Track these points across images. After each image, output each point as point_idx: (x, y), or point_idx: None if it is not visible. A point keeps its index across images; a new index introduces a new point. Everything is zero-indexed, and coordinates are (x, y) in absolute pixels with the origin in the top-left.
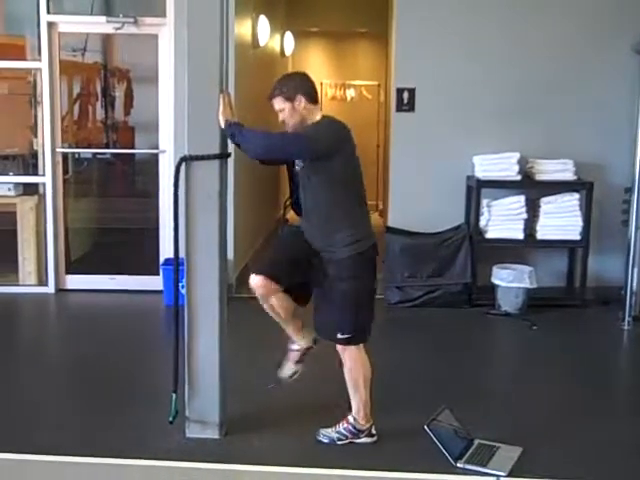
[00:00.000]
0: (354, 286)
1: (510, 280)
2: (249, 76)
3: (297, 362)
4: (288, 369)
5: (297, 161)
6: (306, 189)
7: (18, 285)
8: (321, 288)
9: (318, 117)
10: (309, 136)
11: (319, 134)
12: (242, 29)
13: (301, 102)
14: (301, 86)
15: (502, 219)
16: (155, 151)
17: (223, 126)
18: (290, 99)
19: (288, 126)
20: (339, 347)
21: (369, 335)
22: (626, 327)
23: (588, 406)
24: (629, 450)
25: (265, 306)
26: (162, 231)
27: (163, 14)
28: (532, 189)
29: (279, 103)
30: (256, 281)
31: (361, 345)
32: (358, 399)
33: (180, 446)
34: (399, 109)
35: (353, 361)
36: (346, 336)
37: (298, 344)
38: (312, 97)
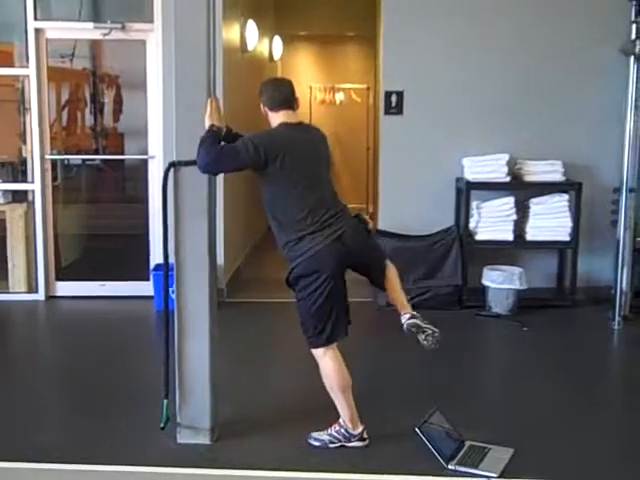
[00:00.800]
0: (304, 292)
1: (500, 281)
2: (238, 80)
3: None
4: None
5: None
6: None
7: (8, 292)
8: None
9: (276, 124)
10: (238, 147)
11: (249, 143)
12: (230, 33)
13: (263, 107)
14: (264, 91)
15: (492, 221)
16: (144, 157)
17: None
18: (263, 103)
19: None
20: None
21: (333, 338)
22: (616, 327)
23: (579, 406)
24: (620, 450)
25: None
26: (152, 236)
27: (151, 20)
28: (521, 190)
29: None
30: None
31: (331, 352)
32: (339, 405)
33: (172, 452)
34: (387, 112)
35: (322, 367)
36: (306, 337)
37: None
38: (273, 103)
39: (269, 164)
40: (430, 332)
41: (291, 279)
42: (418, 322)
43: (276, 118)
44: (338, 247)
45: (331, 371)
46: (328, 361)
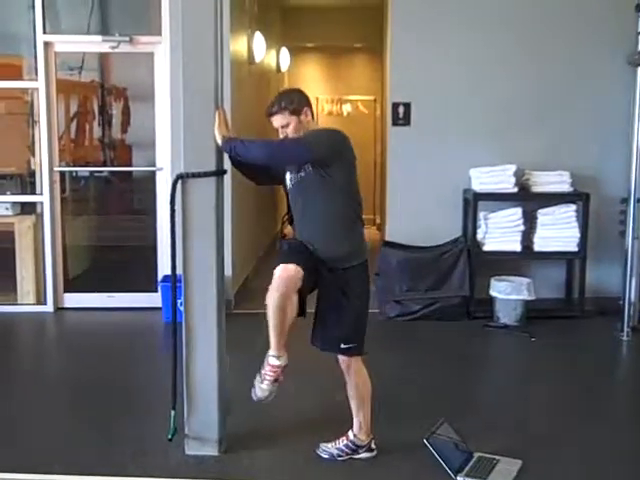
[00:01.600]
0: (358, 295)
1: (508, 292)
2: (245, 92)
3: (275, 381)
4: (266, 389)
5: (291, 176)
6: (307, 200)
7: (17, 304)
8: (325, 298)
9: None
10: (308, 140)
11: (319, 138)
12: (238, 45)
13: (307, 115)
14: (306, 99)
15: (499, 231)
16: (152, 169)
17: (220, 142)
18: (296, 112)
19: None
20: (344, 364)
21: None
22: (625, 338)
23: (588, 418)
24: (630, 461)
25: (278, 303)
26: (160, 248)
27: (159, 32)
28: (529, 201)
29: (284, 118)
30: (290, 268)
31: (360, 359)
32: (362, 415)
33: (179, 463)
34: (395, 123)
35: (359, 376)
36: (349, 346)
37: (280, 360)
38: (313, 111)
39: (343, 153)
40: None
41: (350, 277)
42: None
43: (312, 125)
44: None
45: (368, 380)
46: (364, 368)
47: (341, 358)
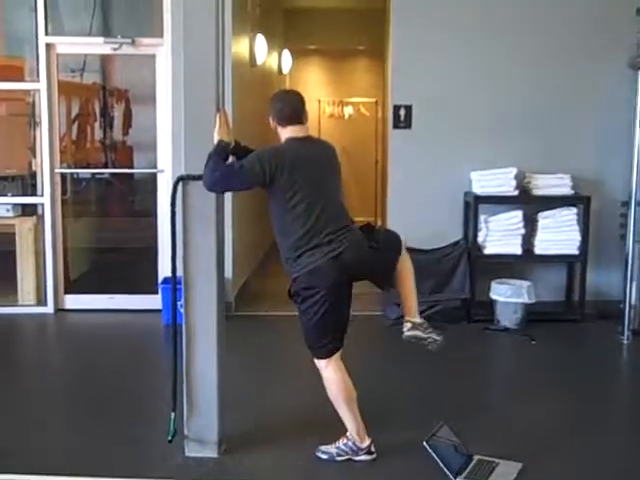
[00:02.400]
0: (304, 305)
1: (509, 295)
2: (247, 94)
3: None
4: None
5: None
6: None
7: (17, 305)
8: None
9: (284, 139)
10: (244, 166)
11: (255, 161)
12: (240, 48)
13: (272, 121)
14: (272, 105)
15: (500, 234)
16: (154, 170)
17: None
18: (272, 117)
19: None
20: None
21: (334, 351)
22: (625, 341)
23: (588, 421)
24: (630, 465)
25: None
26: (161, 250)
27: (160, 34)
28: (529, 204)
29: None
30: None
31: (334, 363)
32: (344, 418)
33: (179, 465)
34: (396, 126)
35: (325, 378)
36: (309, 349)
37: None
38: (281, 118)
39: (274, 181)
40: (432, 340)
41: (292, 292)
42: (418, 334)
43: (284, 133)
44: (336, 264)
45: (334, 382)
46: (331, 372)
47: None
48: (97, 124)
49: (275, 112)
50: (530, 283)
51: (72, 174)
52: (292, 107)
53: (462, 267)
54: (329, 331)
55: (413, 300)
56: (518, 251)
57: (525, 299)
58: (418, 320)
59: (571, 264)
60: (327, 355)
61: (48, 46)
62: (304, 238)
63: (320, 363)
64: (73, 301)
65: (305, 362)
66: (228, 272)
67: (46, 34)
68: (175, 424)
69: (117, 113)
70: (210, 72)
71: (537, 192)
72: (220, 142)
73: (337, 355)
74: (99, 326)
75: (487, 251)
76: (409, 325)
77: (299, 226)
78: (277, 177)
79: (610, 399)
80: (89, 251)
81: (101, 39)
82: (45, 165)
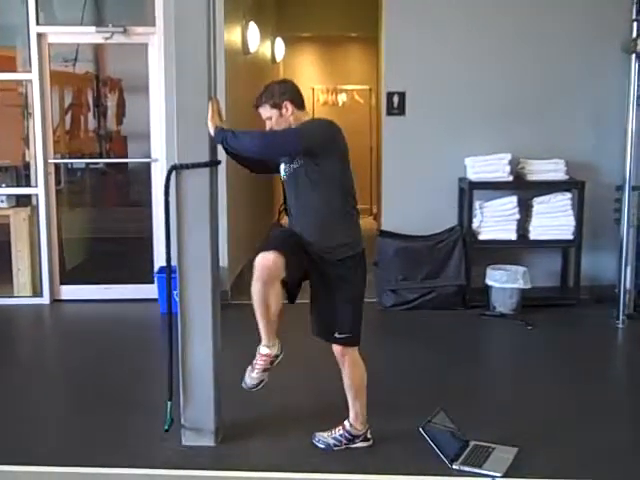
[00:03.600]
0: (353, 286)
1: (504, 281)
2: (239, 83)
3: (265, 370)
4: (255, 378)
5: (285, 167)
6: (299, 192)
7: (13, 297)
8: (319, 287)
9: (303, 121)
10: (301, 131)
11: (311, 130)
12: (232, 36)
13: (288, 109)
14: (287, 92)
15: (495, 220)
16: (147, 160)
17: (212, 133)
18: (277, 106)
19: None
20: (338, 353)
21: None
22: (620, 325)
23: (584, 405)
24: (626, 449)
25: (261, 293)
26: (156, 239)
27: (152, 23)
28: (524, 190)
29: (265, 111)
30: (269, 257)
31: (357, 350)
32: (359, 405)
33: (176, 454)
34: (389, 113)
35: (354, 365)
36: (344, 335)
37: (270, 349)
38: (299, 103)
39: (334, 145)
40: None
41: (343, 266)
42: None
43: (301, 117)
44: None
45: (363, 370)
46: (360, 359)
47: (335, 348)
48: (90, 114)
49: (292, 97)
50: (525, 268)
51: (66, 164)
52: (301, 93)
53: (457, 253)
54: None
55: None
56: (513, 237)
57: (520, 284)
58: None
59: (566, 249)
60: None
61: (39, 36)
62: (355, 206)
63: (355, 351)
64: (69, 292)
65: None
66: (224, 261)
67: (37, 24)
68: (172, 413)
69: (110, 103)
70: (202, 60)
71: (531, 177)
72: (218, 127)
73: None
74: (95, 316)
75: (482, 237)
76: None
77: (353, 199)
78: (335, 148)
79: (606, 383)
80: (84, 241)
81: (93, 28)
82: (39, 155)
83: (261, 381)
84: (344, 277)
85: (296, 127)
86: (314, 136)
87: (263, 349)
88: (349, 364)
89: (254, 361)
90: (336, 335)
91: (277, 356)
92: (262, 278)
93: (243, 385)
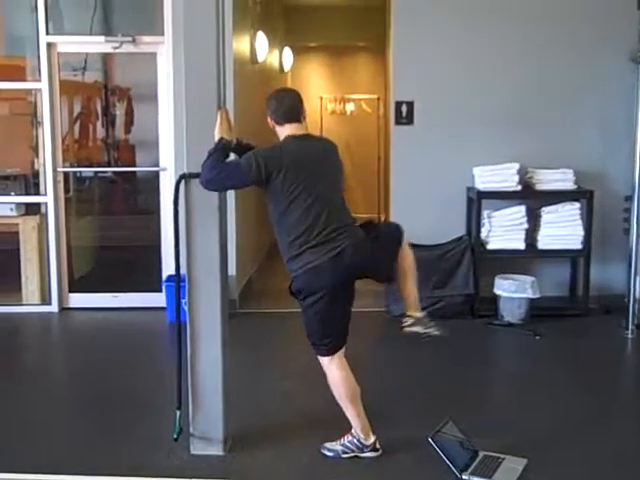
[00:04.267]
0: (305, 303)
1: (512, 290)
2: (248, 92)
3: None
4: (331, 451)
5: None
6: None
7: (21, 304)
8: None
9: (282, 137)
10: (242, 165)
11: (252, 160)
12: (240, 45)
13: (270, 121)
14: (269, 105)
15: (503, 230)
16: (156, 169)
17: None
18: (270, 117)
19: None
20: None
21: (337, 348)
22: (629, 335)
23: (593, 416)
24: (635, 459)
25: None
26: (164, 248)
27: (161, 32)
28: (532, 199)
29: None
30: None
31: (337, 360)
32: (348, 415)
33: (185, 463)
34: (398, 122)
35: (328, 375)
36: (312, 346)
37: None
38: (278, 117)
39: (272, 180)
40: (432, 336)
41: (293, 290)
42: (418, 330)
43: (283, 131)
44: (337, 263)
45: (337, 379)
46: (334, 370)
47: (342, 354)
48: (99, 123)
49: (272, 111)
50: (534, 278)
51: (75, 173)
52: (289, 105)
53: (466, 263)
54: (331, 329)
55: (414, 295)
56: (521, 246)
57: (529, 294)
58: (419, 315)
59: (575, 259)
60: (330, 352)
61: (49, 45)
62: (303, 236)
63: (323, 360)
64: (77, 300)
65: (309, 359)
66: (232, 269)
67: (47, 33)
68: (180, 422)
69: (119, 111)
70: (211, 70)
71: (540, 187)
72: (221, 140)
73: (340, 352)
74: (104, 324)
75: (490, 246)
76: (411, 320)
77: (299, 224)
78: (275, 176)
79: (615, 393)
80: (93, 249)
81: (102, 38)
82: (48, 164)
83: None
84: (298, 294)
85: (241, 159)
86: (252, 168)
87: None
88: (327, 373)
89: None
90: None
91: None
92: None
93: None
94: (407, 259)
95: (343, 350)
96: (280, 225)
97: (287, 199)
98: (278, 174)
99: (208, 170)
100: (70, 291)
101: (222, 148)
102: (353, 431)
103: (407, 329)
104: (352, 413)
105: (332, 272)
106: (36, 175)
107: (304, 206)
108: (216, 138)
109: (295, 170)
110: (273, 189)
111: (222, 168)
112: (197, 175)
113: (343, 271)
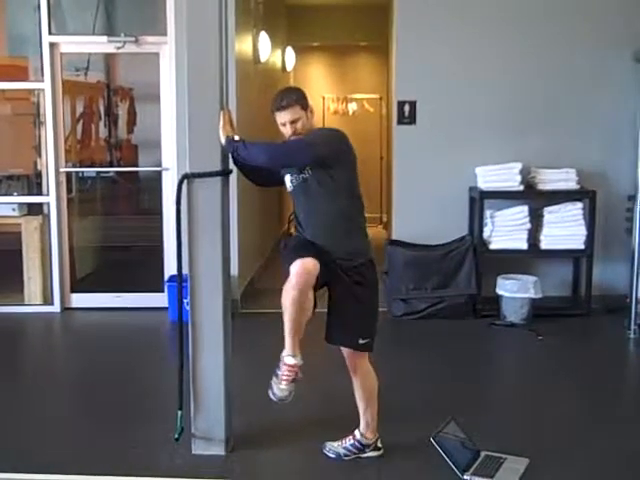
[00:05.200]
0: (371, 291)
1: (515, 290)
2: (250, 92)
3: (293, 381)
4: (285, 389)
5: (292, 178)
6: (311, 201)
7: (24, 305)
8: (340, 296)
9: (316, 127)
10: (310, 141)
11: (321, 139)
12: (243, 45)
13: (313, 112)
14: (305, 97)
15: (506, 230)
16: (158, 169)
17: (223, 142)
18: (305, 107)
19: (297, 136)
20: (352, 362)
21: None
22: (632, 335)
23: (595, 416)
24: (638, 460)
25: (297, 301)
26: (166, 248)
27: (164, 32)
28: (535, 199)
29: (295, 112)
30: (310, 263)
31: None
32: (370, 413)
33: (186, 463)
34: (400, 122)
35: (367, 373)
36: (366, 341)
37: (296, 359)
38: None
39: (343, 153)
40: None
41: (362, 271)
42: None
43: (314, 124)
44: None
45: (374, 376)
46: (370, 366)
47: (349, 357)
48: (102, 123)
49: (308, 102)
50: (536, 278)
51: (77, 173)
52: None
53: (468, 263)
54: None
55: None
56: (524, 246)
57: (531, 294)
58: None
59: (577, 259)
60: (372, 347)
61: (52, 45)
62: (363, 217)
63: (366, 358)
64: (80, 300)
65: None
66: (234, 269)
67: (50, 33)
68: (182, 422)
69: (121, 111)
70: (213, 70)
71: (542, 187)
72: (231, 137)
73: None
74: (106, 324)
75: (493, 246)
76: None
77: (362, 206)
78: (344, 157)
79: (618, 394)
80: (95, 250)
81: (105, 38)
82: (50, 164)
83: (290, 392)
84: (363, 283)
85: (307, 138)
86: (324, 146)
87: (289, 359)
88: (362, 372)
89: (279, 372)
90: (360, 341)
91: (301, 365)
92: (300, 285)
93: (272, 397)
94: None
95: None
96: (355, 195)
97: (355, 179)
98: (345, 155)
99: (268, 147)
100: (72, 291)
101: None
102: (356, 433)
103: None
104: (375, 411)
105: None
106: (38, 175)
107: (359, 190)
108: (222, 137)
109: (352, 154)
110: (341, 170)
111: (281, 145)
112: (200, 175)
113: None
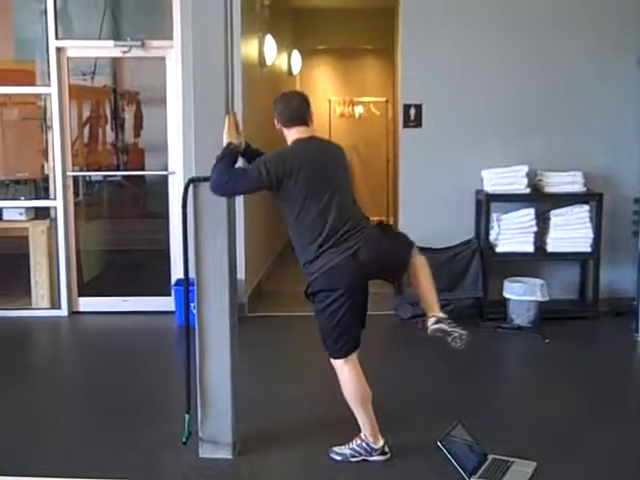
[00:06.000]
0: (321, 305)
1: (521, 293)
2: (256, 95)
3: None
4: (340, 455)
5: None
6: None
7: (31, 309)
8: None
9: (290, 141)
10: (251, 171)
11: (262, 166)
12: (249, 49)
13: (277, 124)
14: (276, 108)
15: (512, 232)
16: (165, 173)
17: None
18: (278, 120)
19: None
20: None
21: (350, 350)
22: (639, 338)
23: (603, 419)
24: None
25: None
26: (173, 252)
27: (170, 37)
28: (541, 202)
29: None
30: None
31: (350, 364)
32: (359, 417)
33: (193, 467)
34: (406, 125)
35: (341, 378)
36: (325, 348)
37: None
38: (285, 120)
39: (283, 185)
40: (457, 335)
41: (309, 293)
42: (444, 327)
43: (290, 135)
44: (353, 263)
45: (350, 382)
46: (347, 372)
47: (355, 358)
48: (108, 127)
49: (278, 113)
50: (543, 281)
51: (84, 177)
52: (295, 108)
53: (474, 266)
54: (346, 331)
55: (433, 295)
56: (531, 249)
57: (538, 297)
58: (441, 314)
59: (584, 262)
60: (344, 355)
61: (58, 50)
62: (319, 239)
63: (337, 363)
64: (87, 304)
65: (319, 362)
66: (241, 273)
67: (56, 38)
68: (190, 426)
69: (128, 116)
70: (219, 74)
71: (549, 190)
72: (229, 145)
73: (354, 355)
74: (113, 328)
75: (499, 249)
76: (433, 319)
77: (314, 228)
78: (286, 181)
79: (625, 396)
80: (102, 253)
81: (111, 42)
82: (57, 168)
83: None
84: (313, 296)
85: (252, 165)
86: (263, 174)
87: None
88: (338, 376)
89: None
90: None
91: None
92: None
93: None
94: (420, 264)
95: (356, 353)
96: (295, 229)
97: (300, 203)
98: (289, 179)
99: (217, 176)
100: (79, 295)
101: (230, 153)
102: (362, 434)
103: (432, 327)
104: (363, 416)
105: (349, 271)
106: (46, 179)
107: (317, 209)
108: (225, 143)
109: (306, 173)
110: (285, 194)
111: (231, 174)
112: (206, 179)
113: (359, 269)
